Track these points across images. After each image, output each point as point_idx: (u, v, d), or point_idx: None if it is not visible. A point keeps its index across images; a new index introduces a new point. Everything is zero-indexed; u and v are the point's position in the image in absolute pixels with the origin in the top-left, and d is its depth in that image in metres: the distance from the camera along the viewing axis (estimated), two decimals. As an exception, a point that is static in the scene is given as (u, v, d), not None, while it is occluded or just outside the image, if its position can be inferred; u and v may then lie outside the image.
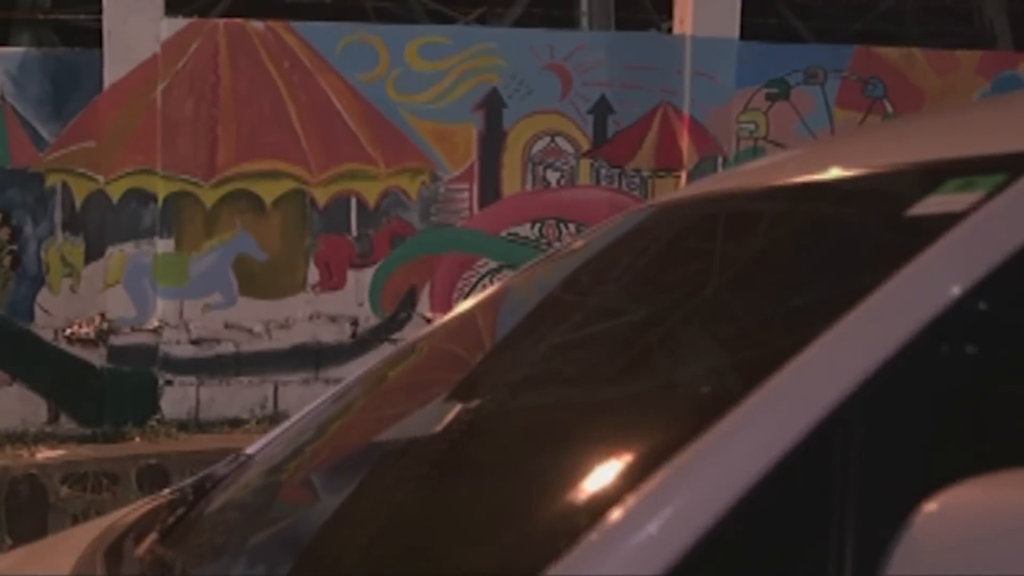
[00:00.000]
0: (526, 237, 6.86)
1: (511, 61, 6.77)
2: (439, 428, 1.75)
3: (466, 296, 6.72)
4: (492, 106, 6.78)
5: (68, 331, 6.32)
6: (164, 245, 6.42)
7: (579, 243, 2.31)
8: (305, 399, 6.39)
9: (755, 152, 7.02)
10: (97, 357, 6.36)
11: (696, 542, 1.16)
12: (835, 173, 1.72)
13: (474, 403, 1.81)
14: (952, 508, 1.12)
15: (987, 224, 1.30)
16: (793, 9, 11.13)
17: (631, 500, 1.20)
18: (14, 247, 6.28)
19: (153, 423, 6.36)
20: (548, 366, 1.81)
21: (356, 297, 6.65)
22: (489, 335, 2.12)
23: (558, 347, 1.85)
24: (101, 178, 6.32)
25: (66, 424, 6.33)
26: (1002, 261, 1.26)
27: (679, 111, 6.93)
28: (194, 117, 6.39)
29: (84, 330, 6.33)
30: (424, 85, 6.68)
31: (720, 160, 6.99)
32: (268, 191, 6.52)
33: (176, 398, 6.46)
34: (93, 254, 6.34)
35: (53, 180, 6.30)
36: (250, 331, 6.53)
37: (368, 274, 6.67)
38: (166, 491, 2.18)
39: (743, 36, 7.04)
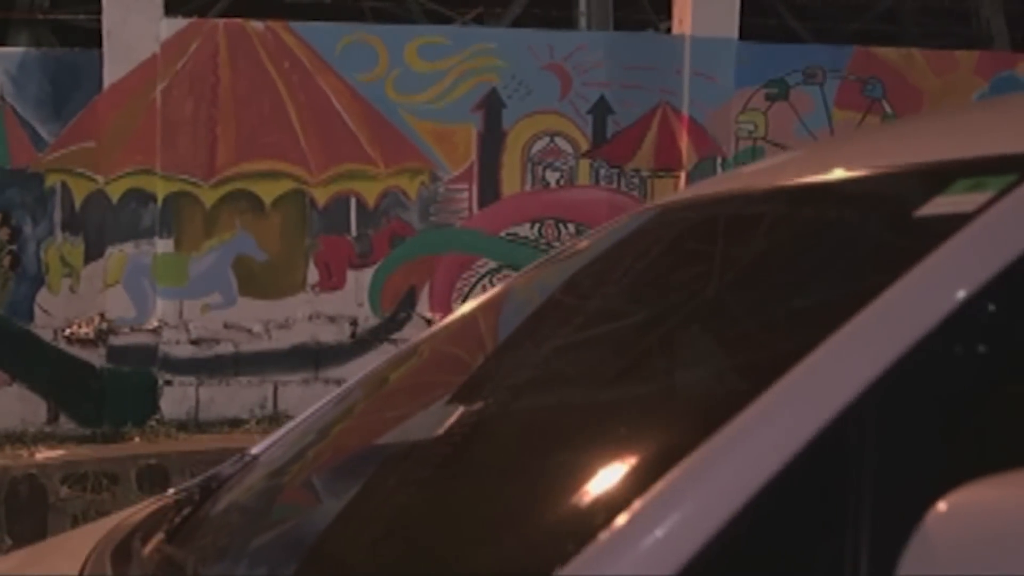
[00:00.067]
0: (525, 237, 6.86)
1: (511, 61, 6.78)
2: (450, 429, 1.75)
3: (466, 296, 6.72)
4: (491, 106, 6.78)
5: (68, 331, 6.32)
6: (164, 245, 6.42)
7: (584, 244, 2.30)
8: (305, 399, 6.42)
9: (754, 152, 7.02)
10: (97, 357, 6.36)
11: (709, 543, 1.16)
12: (843, 174, 1.72)
13: (486, 404, 1.80)
14: (965, 508, 1.12)
15: (997, 224, 1.30)
16: (791, 9, 11.13)
17: (644, 501, 1.20)
18: (13, 247, 6.28)
19: (153, 423, 6.36)
20: (559, 367, 1.81)
21: (356, 297, 6.65)
22: (501, 335, 2.12)
23: (569, 348, 1.85)
24: (101, 178, 6.32)
25: (66, 424, 6.33)
26: (1013, 260, 1.26)
27: (678, 111, 6.93)
28: (194, 117, 6.39)
29: (84, 330, 6.32)
30: (424, 85, 6.68)
31: (719, 160, 6.99)
32: (268, 191, 6.52)
33: (176, 398, 6.46)
34: (93, 254, 6.34)
35: (53, 180, 6.30)
36: (250, 331, 6.53)
37: (368, 274, 6.67)
38: (171, 491, 2.17)
39: (742, 36, 7.04)
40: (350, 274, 6.65)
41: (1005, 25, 10.47)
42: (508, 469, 1.55)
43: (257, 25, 6.51)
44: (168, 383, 6.45)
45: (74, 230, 6.33)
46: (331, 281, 6.62)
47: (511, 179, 6.83)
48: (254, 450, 2.14)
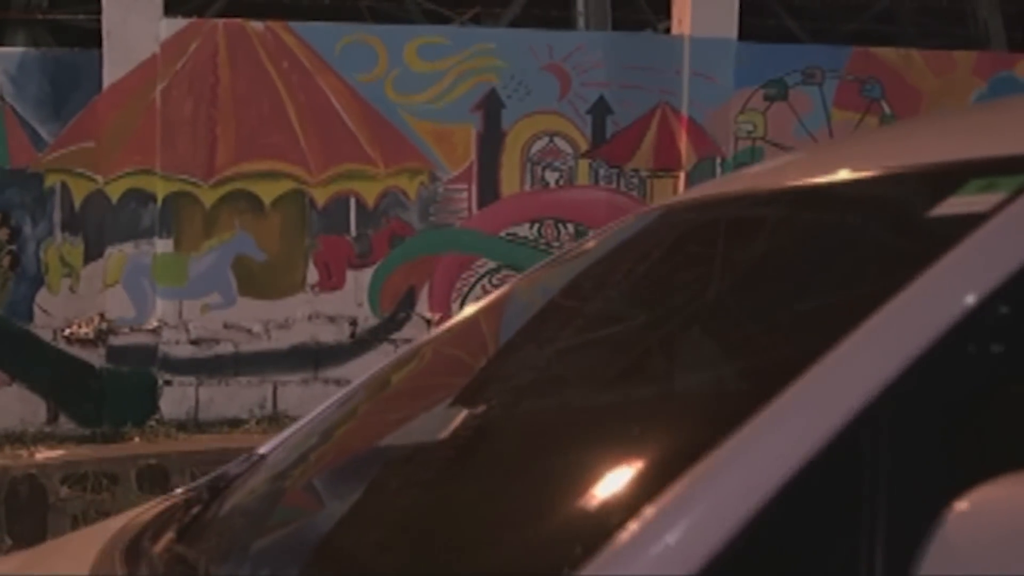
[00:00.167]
0: (525, 237, 6.86)
1: (510, 61, 6.78)
2: (466, 431, 1.74)
3: (465, 296, 6.73)
4: (491, 106, 6.78)
5: (67, 331, 6.32)
6: (163, 245, 6.42)
7: (590, 245, 2.29)
8: (304, 399, 6.42)
9: (753, 153, 7.03)
10: (96, 357, 6.36)
11: (724, 546, 1.16)
12: (854, 174, 1.72)
13: (503, 406, 1.80)
14: (983, 507, 1.12)
15: (1012, 224, 1.30)
16: (789, 10, 11.13)
17: (659, 504, 1.20)
18: (13, 247, 6.28)
19: (152, 423, 6.35)
20: (571, 369, 1.81)
21: (355, 297, 6.65)
22: (515, 337, 2.11)
23: (582, 350, 1.85)
24: (100, 178, 6.32)
25: (65, 424, 6.32)
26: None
27: (678, 111, 6.94)
28: (193, 117, 6.39)
29: (83, 330, 6.32)
30: (423, 85, 6.68)
31: (718, 161, 7.00)
32: (267, 191, 6.52)
33: (175, 398, 6.46)
34: (92, 254, 6.34)
35: (52, 180, 6.30)
36: (249, 331, 6.53)
37: (367, 274, 6.67)
38: (179, 490, 2.17)
39: (740, 37, 7.05)
40: (349, 274, 6.65)
41: (1002, 26, 10.48)
42: (524, 472, 1.54)
43: (257, 25, 6.51)
44: (168, 383, 6.45)
45: (74, 230, 6.32)
46: (331, 281, 6.62)
47: (510, 179, 6.84)
48: (262, 449, 2.14)
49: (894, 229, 1.55)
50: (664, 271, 2.00)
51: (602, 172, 6.93)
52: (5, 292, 6.26)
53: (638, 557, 1.18)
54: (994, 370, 1.26)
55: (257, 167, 6.49)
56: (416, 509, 1.63)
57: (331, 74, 6.56)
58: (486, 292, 6.58)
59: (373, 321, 6.68)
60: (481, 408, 1.81)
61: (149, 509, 2.10)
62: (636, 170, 6.95)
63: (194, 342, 6.47)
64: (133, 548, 1.85)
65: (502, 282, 6.49)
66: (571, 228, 6.87)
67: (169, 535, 1.87)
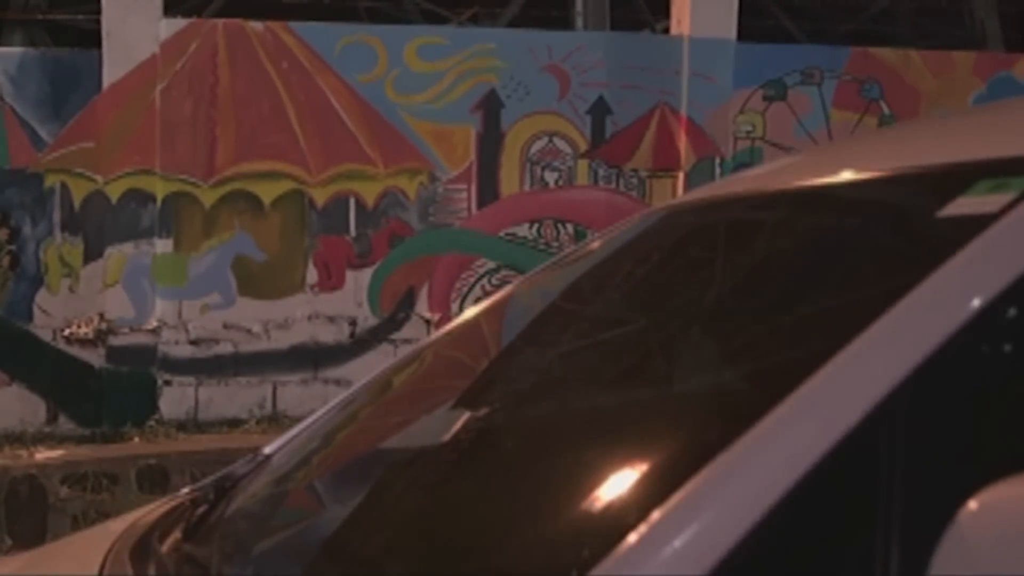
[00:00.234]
0: (524, 237, 6.87)
1: (509, 62, 6.78)
2: (473, 432, 1.74)
3: (465, 296, 6.73)
4: (490, 107, 6.79)
5: (67, 331, 6.31)
6: (163, 245, 6.41)
7: (594, 246, 2.29)
8: (304, 399, 6.42)
9: (752, 153, 7.03)
10: (96, 357, 6.35)
11: (738, 546, 1.16)
12: (863, 175, 1.72)
13: (514, 407, 1.80)
14: (998, 505, 1.12)
15: (1023, 224, 1.30)
16: (788, 10, 11.14)
17: (671, 504, 1.20)
18: (13, 247, 6.27)
19: (152, 423, 6.35)
20: (580, 371, 1.81)
21: (355, 297, 6.65)
22: (524, 338, 2.11)
23: (590, 352, 1.85)
24: (100, 178, 6.32)
25: (65, 424, 6.32)
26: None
27: (677, 112, 6.94)
28: (193, 117, 6.39)
29: (83, 330, 6.32)
30: (423, 86, 6.68)
31: (718, 161, 7.00)
32: (267, 191, 6.52)
33: (175, 398, 6.46)
34: (92, 254, 6.33)
35: (52, 180, 6.29)
36: (249, 331, 6.53)
37: (367, 274, 6.67)
38: (185, 490, 2.17)
39: (740, 37, 7.06)
40: (349, 274, 6.65)
41: (999, 26, 10.49)
42: (532, 475, 1.54)
43: (256, 25, 6.51)
44: (167, 383, 6.45)
45: (73, 230, 6.32)
46: (330, 281, 6.62)
47: (510, 179, 6.84)
48: (267, 449, 2.14)
49: (905, 229, 1.55)
50: (670, 272, 2.00)
51: (601, 172, 6.94)
52: (5, 292, 6.25)
53: (649, 559, 1.18)
54: (1007, 369, 1.26)
55: (257, 167, 6.49)
56: (425, 512, 1.63)
57: (331, 74, 6.56)
58: (486, 292, 6.59)
59: (373, 321, 6.68)
60: (489, 410, 1.81)
61: (155, 509, 2.10)
62: (635, 170, 6.96)
63: (194, 342, 6.47)
64: (141, 548, 1.85)
65: (502, 282, 6.51)
66: (570, 228, 6.88)
67: (176, 535, 1.87)
